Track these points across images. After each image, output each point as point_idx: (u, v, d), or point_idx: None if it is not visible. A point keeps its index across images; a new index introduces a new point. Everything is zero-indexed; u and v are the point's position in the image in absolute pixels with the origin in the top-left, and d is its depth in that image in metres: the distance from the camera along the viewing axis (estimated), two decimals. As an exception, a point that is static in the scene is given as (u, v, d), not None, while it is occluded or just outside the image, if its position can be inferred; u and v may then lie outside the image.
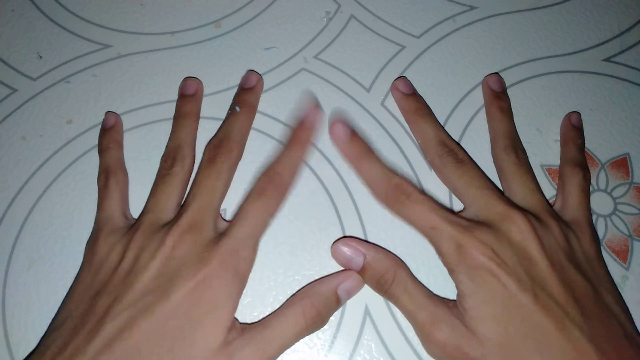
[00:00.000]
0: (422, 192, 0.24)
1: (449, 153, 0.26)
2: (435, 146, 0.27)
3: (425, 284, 0.25)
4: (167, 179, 0.26)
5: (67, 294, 0.24)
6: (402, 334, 0.25)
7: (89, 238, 0.25)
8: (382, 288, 0.24)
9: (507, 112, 0.29)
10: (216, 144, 0.26)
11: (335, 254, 0.25)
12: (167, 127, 0.29)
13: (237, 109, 0.28)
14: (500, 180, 0.27)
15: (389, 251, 0.25)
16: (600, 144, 0.29)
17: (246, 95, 0.29)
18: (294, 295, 0.24)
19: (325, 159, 0.29)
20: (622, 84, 0.31)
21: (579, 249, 0.24)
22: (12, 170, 0.28)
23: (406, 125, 0.29)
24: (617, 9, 0.33)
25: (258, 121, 0.29)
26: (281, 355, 0.24)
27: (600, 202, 0.28)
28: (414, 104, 0.29)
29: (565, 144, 0.28)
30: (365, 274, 0.24)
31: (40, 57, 0.31)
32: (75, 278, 0.24)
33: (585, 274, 0.23)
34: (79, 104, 0.30)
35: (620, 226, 0.27)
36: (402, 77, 0.30)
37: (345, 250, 0.24)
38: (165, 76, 0.30)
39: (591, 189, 0.28)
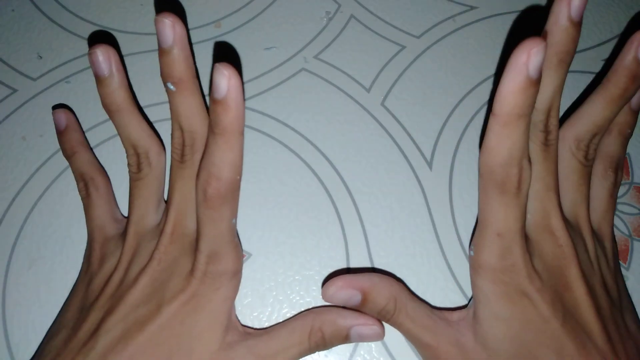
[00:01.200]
0: (527, 195, 0.20)
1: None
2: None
3: (424, 286, 0.25)
4: (139, 184, 0.24)
5: (64, 303, 0.24)
6: (402, 334, 0.25)
7: (86, 248, 0.25)
8: (385, 318, 0.22)
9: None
10: (181, 142, 0.22)
11: (330, 300, 0.22)
12: (167, 127, 0.29)
13: (170, 86, 0.22)
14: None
15: (384, 275, 0.23)
16: (600, 144, 0.29)
17: (168, 65, 0.22)
18: (308, 310, 0.24)
19: (325, 159, 0.29)
20: (622, 84, 0.31)
21: (607, 268, 0.23)
22: (12, 170, 0.28)
23: (406, 126, 0.29)
24: (617, 9, 0.33)
25: (258, 121, 0.29)
26: (281, 356, 0.24)
27: (600, 202, 0.28)
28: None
29: (610, 130, 0.24)
30: (365, 308, 0.22)
31: (40, 57, 0.31)
32: (72, 289, 0.24)
33: (611, 296, 0.22)
34: (79, 104, 0.30)
35: (620, 226, 0.27)
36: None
37: (340, 294, 0.22)
38: (165, 76, 0.30)
39: (591, 189, 0.28)
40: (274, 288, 0.26)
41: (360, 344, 0.25)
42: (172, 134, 0.23)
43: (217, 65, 0.18)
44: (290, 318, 0.24)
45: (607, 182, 0.24)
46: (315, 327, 0.22)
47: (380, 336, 0.22)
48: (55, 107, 0.29)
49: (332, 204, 0.28)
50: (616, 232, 0.27)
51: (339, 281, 0.22)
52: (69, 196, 0.27)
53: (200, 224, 0.21)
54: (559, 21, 0.18)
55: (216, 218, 0.21)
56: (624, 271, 0.26)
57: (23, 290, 0.25)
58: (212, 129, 0.19)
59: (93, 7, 0.33)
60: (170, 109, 0.22)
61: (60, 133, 0.27)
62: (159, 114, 0.29)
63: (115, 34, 0.32)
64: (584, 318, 0.21)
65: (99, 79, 0.23)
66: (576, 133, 0.23)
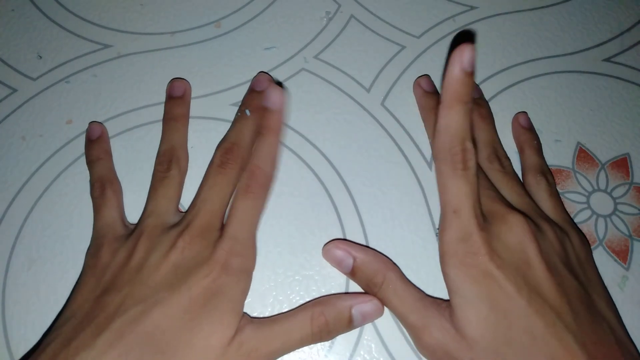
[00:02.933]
0: (477, 173, 0.22)
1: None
2: None
3: (425, 285, 0.25)
4: (165, 182, 0.26)
5: (67, 300, 0.23)
6: (402, 334, 0.25)
7: (90, 246, 0.25)
8: (372, 290, 0.24)
9: (489, 119, 0.29)
10: (228, 149, 0.26)
11: (326, 255, 0.25)
12: (167, 127, 0.29)
13: (248, 112, 0.27)
14: None
15: (381, 254, 0.25)
16: (600, 144, 0.29)
17: (257, 98, 0.28)
18: (309, 301, 0.25)
19: (325, 159, 0.29)
20: (622, 84, 0.31)
21: (572, 252, 0.24)
22: (12, 170, 0.28)
23: (406, 126, 0.29)
24: (617, 9, 0.33)
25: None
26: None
27: (600, 202, 0.28)
28: (432, 102, 0.29)
29: (521, 150, 0.28)
30: (355, 276, 0.24)
31: (40, 57, 0.31)
32: (76, 284, 0.24)
33: (579, 279, 0.23)
34: (79, 104, 0.30)
35: (620, 226, 0.27)
36: (425, 76, 0.30)
37: (336, 252, 0.25)
38: (165, 76, 0.30)
39: (591, 189, 0.28)
40: (274, 288, 0.26)
41: (360, 344, 0.25)
42: (220, 143, 0.27)
43: (273, 84, 0.27)
44: (292, 309, 0.24)
45: (542, 185, 0.26)
46: (316, 312, 0.23)
47: (380, 311, 0.24)
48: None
49: (332, 204, 0.27)
50: (616, 232, 0.27)
51: (341, 243, 0.25)
52: (68, 196, 0.27)
53: (233, 211, 0.24)
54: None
55: (250, 207, 0.24)
56: (624, 271, 0.26)
57: (22, 290, 0.25)
58: (261, 130, 0.25)
59: (93, 7, 0.33)
60: (232, 126, 0.28)
61: (91, 141, 0.28)
62: (159, 114, 0.29)
63: (115, 33, 0.32)
64: (547, 295, 0.21)
65: (172, 98, 0.29)
66: (484, 153, 0.27)
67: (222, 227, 0.24)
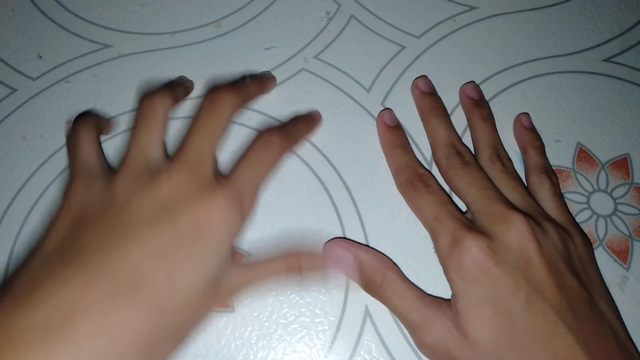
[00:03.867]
0: (441, 188, 0.25)
1: (456, 154, 0.26)
2: (444, 147, 0.27)
3: (425, 285, 0.25)
4: (149, 115, 0.23)
5: (41, 236, 0.21)
6: (402, 334, 0.25)
7: (65, 185, 0.22)
8: (372, 290, 0.24)
9: (489, 120, 0.29)
10: (219, 88, 0.24)
11: (326, 253, 0.25)
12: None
13: (249, 79, 0.28)
14: None
15: (381, 253, 0.25)
16: (600, 144, 0.29)
17: (263, 79, 0.29)
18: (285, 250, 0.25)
19: (325, 159, 0.29)
20: (622, 84, 0.31)
21: (575, 252, 0.24)
22: (12, 170, 0.28)
23: (406, 126, 0.29)
24: (617, 9, 0.33)
25: (258, 121, 0.29)
26: (281, 356, 0.24)
27: (600, 203, 0.28)
28: (430, 102, 0.29)
29: (524, 150, 0.28)
30: (354, 276, 0.24)
31: (40, 57, 0.31)
32: (51, 221, 0.21)
33: (581, 279, 0.23)
34: (79, 104, 0.30)
35: (621, 226, 0.27)
36: (423, 76, 0.30)
37: (336, 250, 0.25)
38: (165, 76, 0.30)
39: (591, 189, 0.28)
40: (274, 288, 0.26)
41: (360, 344, 0.25)
42: (207, 92, 0.25)
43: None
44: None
45: (545, 185, 0.26)
46: (291, 252, 0.24)
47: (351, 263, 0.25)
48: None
49: (332, 204, 0.27)
50: (616, 232, 0.27)
51: (341, 242, 0.25)
52: (68, 196, 0.27)
53: (246, 157, 0.23)
54: (416, 94, 0.30)
55: (264, 159, 0.23)
56: (624, 272, 0.26)
57: (23, 290, 0.25)
58: (309, 119, 0.29)
59: (93, 7, 0.33)
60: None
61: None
62: (159, 114, 0.29)
63: (115, 33, 0.32)
64: (548, 294, 0.21)
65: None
66: (486, 153, 0.28)
67: (216, 171, 0.22)
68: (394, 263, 0.25)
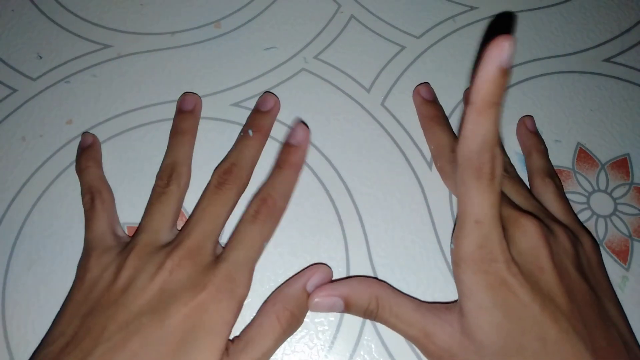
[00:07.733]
0: (500, 182, 0.21)
1: None
2: (449, 153, 0.27)
3: (424, 284, 0.25)
4: (162, 198, 0.25)
5: (59, 312, 0.23)
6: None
7: (81, 257, 0.25)
8: (371, 317, 0.24)
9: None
10: (226, 170, 0.26)
11: (315, 309, 0.24)
12: (167, 127, 0.29)
13: (251, 132, 0.27)
14: None
15: (364, 277, 0.25)
16: (600, 144, 0.29)
17: (262, 119, 0.28)
18: (265, 302, 0.24)
19: (325, 159, 0.29)
20: (622, 84, 0.31)
21: (584, 255, 0.23)
22: (12, 171, 0.28)
23: (406, 126, 0.29)
24: (617, 10, 0.33)
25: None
26: (281, 356, 0.24)
27: (600, 203, 0.28)
28: (432, 110, 0.29)
29: (528, 154, 0.28)
30: (350, 311, 0.24)
31: (40, 57, 0.31)
32: (67, 296, 0.24)
33: (589, 282, 0.22)
34: (79, 104, 0.30)
35: (621, 227, 0.27)
36: (425, 83, 0.30)
37: (323, 302, 0.23)
38: (165, 76, 0.30)
39: (591, 189, 0.28)
40: (274, 288, 0.26)
41: (360, 344, 0.25)
42: (220, 163, 0.27)
43: (298, 122, 0.29)
44: (254, 317, 0.24)
45: (550, 188, 0.26)
46: (279, 311, 0.23)
47: (329, 273, 0.25)
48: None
49: (332, 204, 0.27)
50: (616, 232, 0.27)
51: (321, 291, 0.24)
52: (68, 197, 0.27)
53: (237, 235, 0.24)
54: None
55: (256, 233, 0.24)
56: (624, 272, 0.26)
57: (22, 290, 0.25)
58: (281, 164, 0.26)
59: (93, 7, 0.33)
60: (234, 146, 0.28)
61: (82, 149, 0.28)
62: (158, 114, 0.29)
63: (115, 34, 0.32)
64: (559, 301, 0.21)
65: (182, 112, 0.29)
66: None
67: (215, 251, 0.24)
68: (379, 280, 0.25)
